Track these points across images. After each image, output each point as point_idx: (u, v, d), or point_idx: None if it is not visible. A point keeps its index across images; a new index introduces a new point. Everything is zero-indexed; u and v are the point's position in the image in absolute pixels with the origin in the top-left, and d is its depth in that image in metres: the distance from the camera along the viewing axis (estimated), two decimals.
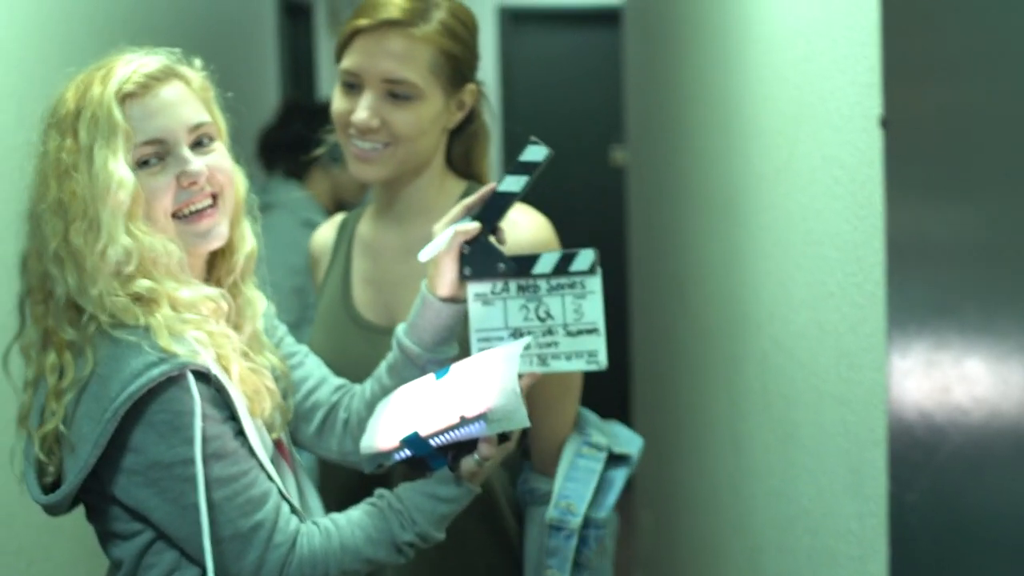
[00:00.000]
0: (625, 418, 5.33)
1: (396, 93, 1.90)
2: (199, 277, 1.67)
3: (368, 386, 1.82)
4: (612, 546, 2.03)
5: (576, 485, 1.92)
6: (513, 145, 6.59)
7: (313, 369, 1.87)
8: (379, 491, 1.67)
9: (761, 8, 2.27)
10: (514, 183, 1.73)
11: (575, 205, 6.44)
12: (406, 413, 1.65)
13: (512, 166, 1.73)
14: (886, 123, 1.48)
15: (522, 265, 1.72)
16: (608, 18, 6.38)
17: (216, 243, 1.65)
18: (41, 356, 1.57)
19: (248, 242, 1.72)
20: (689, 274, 3.20)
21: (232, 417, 1.57)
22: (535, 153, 1.73)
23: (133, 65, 1.60)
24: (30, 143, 1.61)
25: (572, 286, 1.72)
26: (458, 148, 2.05)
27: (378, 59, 1.90)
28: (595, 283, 1.71)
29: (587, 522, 1.92)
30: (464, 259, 1.73)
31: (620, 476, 2.00)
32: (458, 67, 1.97)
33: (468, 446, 1.63)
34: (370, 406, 1.79)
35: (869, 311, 1.68)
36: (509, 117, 6.68)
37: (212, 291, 1.63)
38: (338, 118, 1.96)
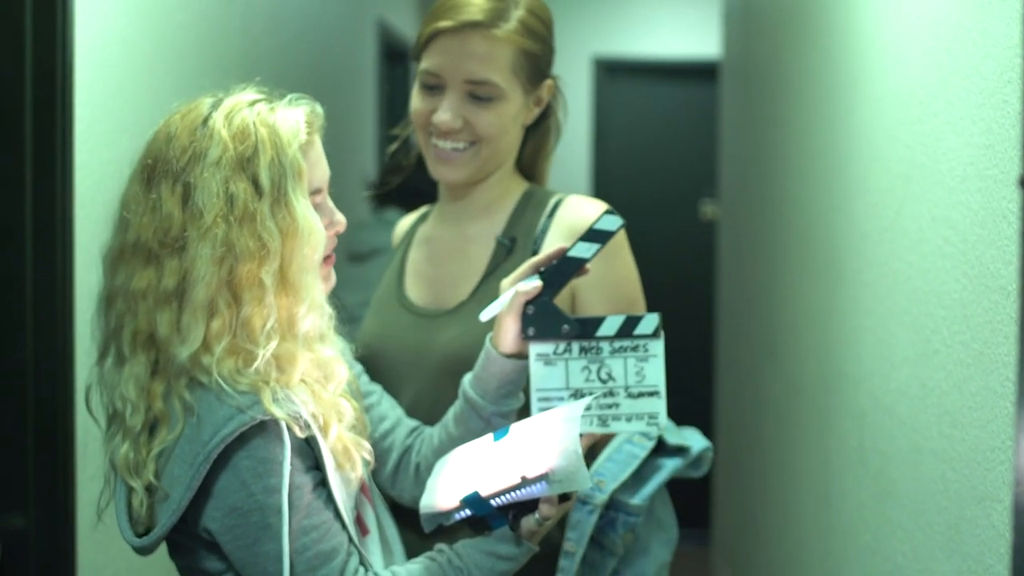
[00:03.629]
0: (707, 473, 5.32)
1: (478, 94, 1.90)
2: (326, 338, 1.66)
3: (436, 433, 1.82)
4: (662, 554, 1.95)
5: (613, 465, 1.89)
6: (603, 195, 6.64)
7: (388, 410, 1.87)
8: (439, 546, 1.66)
9: (872, 69, 2.30)
10: (585, 250, 1.73)
11: (664, 257, 6.47)
12: (466, 472, 1.64)
13: (586, 233, 1.73)
14: None
15: (586, 327, 1.71)
16: (703, 73, 6.43)
17: (329, 288, 1.65)
18: (140, 403, 1.52)
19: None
20: (782, 330, 3.22)
21: (316, 467, 1.56)
22: (609, 223, 1.73)
23: (296, 107, 1.59)
24: (132, 176, 1.56)
25: (635, 349, 1.71)
26: (529, 146, 2.05)
27: (460, 60, 1.89)
28: (658, 347, 1.70)
29: (617, 505, 1.87)
30: (527, 319, 1.72)
31: (670, 465, 1.94)
32: (537, 64, 1.95)
33: (528, 505, 1.62)
34: (438, 453, 1.79)
35: (976, 369, 1.70)
36: (601, 167, 6.73)
37: (337, 354, 1.65)
38: (418, 118, 1.96)
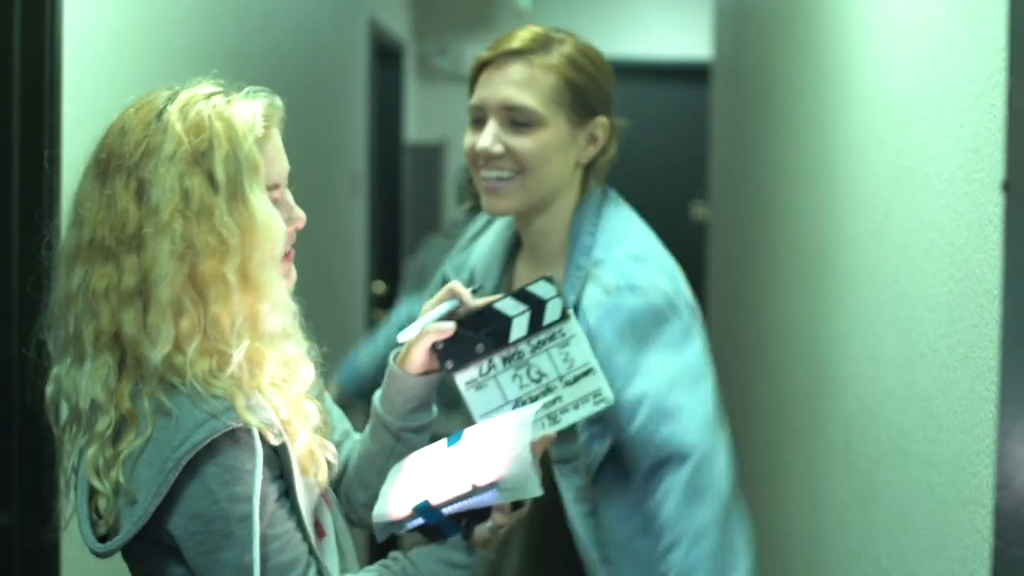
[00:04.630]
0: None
1: (517, 120, 1.92)
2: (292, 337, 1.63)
3: (356, 448, 1.82)
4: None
5: None
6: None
7: (337, 421, 1.84)
8: (393, 554, 1.64)
9: (860, 71, 2.30)
10: (511, 308, 1.72)
11: None
12: (418, 481, 1.63)
13: (517, 291, 1.72)
14: (1008, 186, 1.50)
15: (498, 337, 1.71)
16: (695, 74, 6.44)
17: (290, 285, 1.61)
18: (107, 405, 1.48)
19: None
20: (770, 332, 3.22)
21: (282, 475, 1.54)
22: (543, 290, 1.72)
23: (252, 100, 1.55)
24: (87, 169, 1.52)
25: (552, 338, 1.70)
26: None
27: (499, 88, 1.93)
28: (573, 327, 1.69)
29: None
30: (441, 353, 1.71)
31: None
32: (582, 97, 1.96)
33: (482, 513, 1.60)
34: (357, 469, 1.79)
35: (961, 373, 1.70)
36: None
37: (303, 353, 1.61)
38: (467, 153, 1.98)
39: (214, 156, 1.47)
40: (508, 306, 1.73)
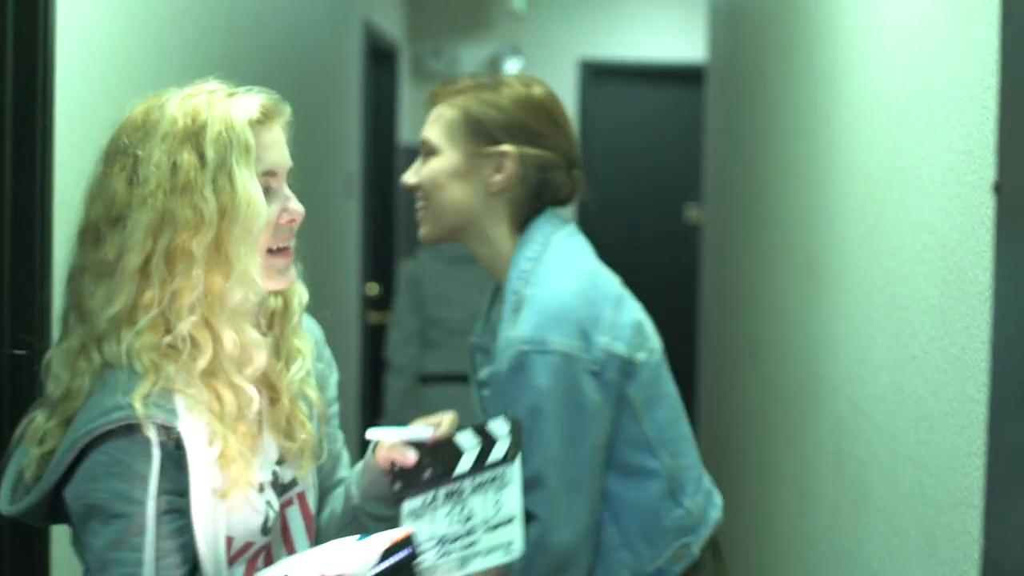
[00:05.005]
0: None
1: (425, 153, 2.10)
2: (254, 321, 1.63)
3: (336, 502, 1.81)
4: None
5: None
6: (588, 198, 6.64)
7: (340, 468, 1.85)
8: None
9: (854, 74, 2.31)
10: (466, 441, 1.72)
11: (648, 260, 6.48)
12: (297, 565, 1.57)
13: (478, 425, 1.72)
14: (999, 188, 1.51)
15: (447, 468, 1.70)
16: (689, 76, 6.44)
17: (288, 283, 1.64)
18: (63, 375, 1.54)
19: (301, 290, 1.71)
20: (763, 333, 3.22)
21: (180, 491, 1.49)
22: (498, 427, 1.71)
23: (254, 94, 1.60)
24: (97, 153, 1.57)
25: (493, 480, 1.68)
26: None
27: (423, 128, 2.12)
28: (513, 472, 1.67)
29: None
30: (395, 475, 1.72)
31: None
32: (479, 126, 2.05)
33: None
34: (327, 524, 1.78)
35: (953, 375, 1.70)
36: (586, 170, 6.73)
37: (263, 342, 1.60)
38: None
39: (206, 135, 1.52)
40: (464, 439, 1.73)
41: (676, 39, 6.73)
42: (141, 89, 2.43)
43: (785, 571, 2.81)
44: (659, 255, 6.65)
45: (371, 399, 5.62)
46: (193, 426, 1.50)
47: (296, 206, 1.62)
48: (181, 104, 1.55)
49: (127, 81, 2.40)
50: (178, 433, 1.49)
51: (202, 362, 1.52)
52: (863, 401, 2.17)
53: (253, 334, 1.58)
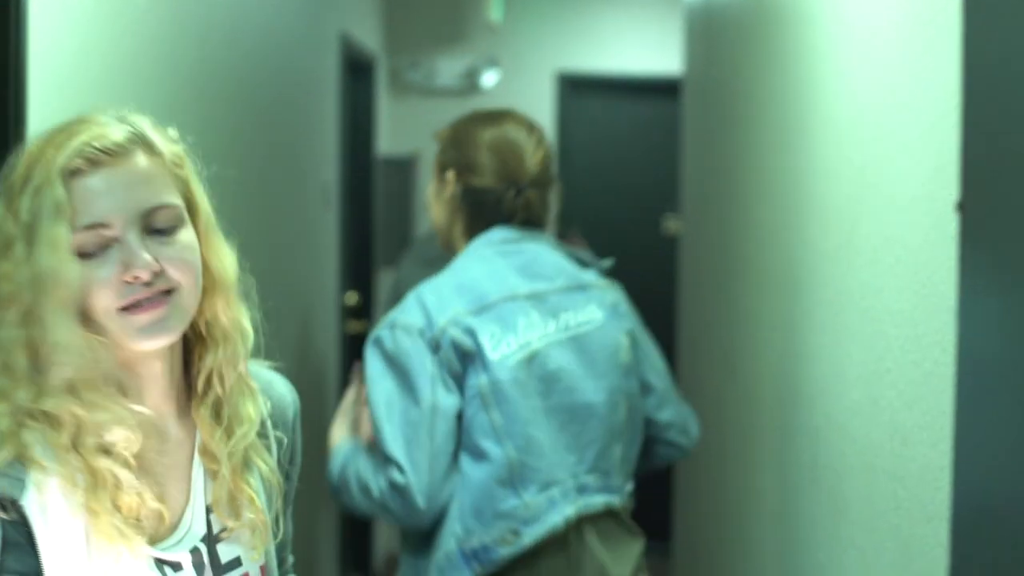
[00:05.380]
0: (666, 489, 5.34)
1: None
2: (165, 381, 1.49)
3: None
4: None
5: None
6: (567, 209, 6.66)
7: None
8: None
9: (827, 88, 2.32)
10: None
11: (627, 272, 6.46)
12: None
13: None
14: (962, 207, 1.52)
15: None
16: (666, 89, 6.46)
17: (160, 342, 1.44)
18: None
19: (237, 338, 1.52)
20: (740, 346, 3.23)
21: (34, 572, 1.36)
22: None
23: (87, 135, 1.41)
24: None
25: None
26: None
27: None
28: None
29: None
30: None
31: None
32: (440, 158, 2.66)
33: None
34: None
35: (925, 388, 1.71)
36: (564, 182, 6.73)
37: (128, 414, 1.43)
38: None
39: (26, 189, 1.39)
40: None
41: (653, 52, 6.74)
42: (113, 103, 2.44)
43: None
44: (638, 266, 6.64)
45: None
46: (44, 500, 1.37)
47: (142, 261, 1.39)
48: (32, 146, 1.42)
49: (99, 96, 2.39)
50: (22, 507, 1.35)
51: (62, 436, 1.39)
52: (839, 414, 2.18)
53: (110, 407, 1.41)
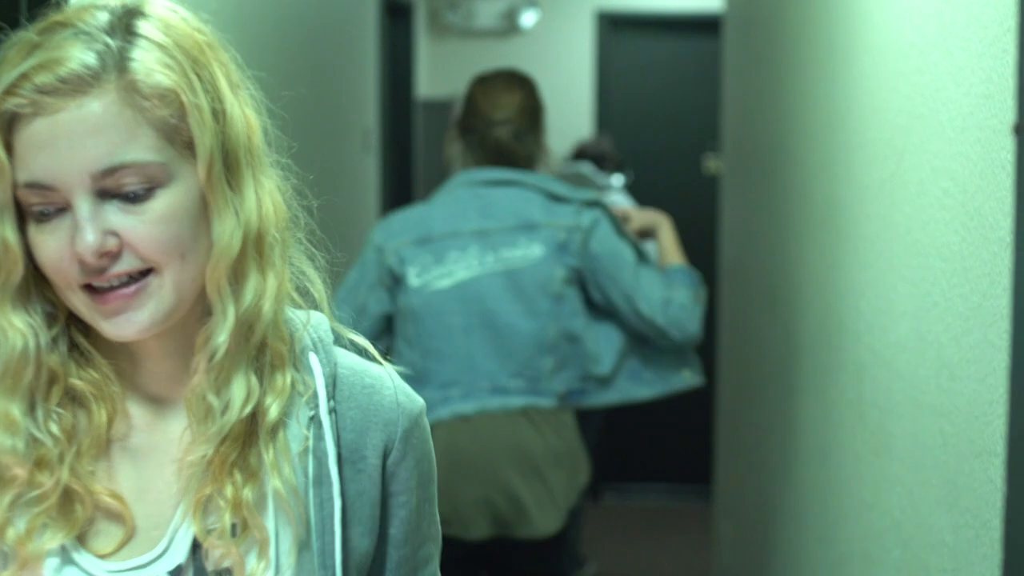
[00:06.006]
0: (707, 426, 5.34)
1: None
2: (169, 362, 1.19)
3: None
4: None
5: None
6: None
7: None
8: None
9: (872, 20, 2.27)
10: None
11: (667, 211, 6.42)
12: None
13: None
14: (1019, 129, 1.48)
15: None
16: (707, 26, 6.39)
17: (130, 336, 1.12)
18: None
19: (245, 314, 1.15)
20: (783, 284, 3.20)
21: None
22: None
23: (38, 59, 1.07)
24: None
25: None
26: None
27: None
28: None
29: None
30: None
31: None
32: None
33: None
34: None
35: (974, 322, 1.68)
36: (604, 122, 6.70)
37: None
38: None
39: None
40: None
41: None
42: None
43: (806, 522, 2.81)
44: (679, 205, 6.58)
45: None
46: None
47: (84, 242, 1.07)
48: None
49: None
50: None
51: None
52: (884, 350, 2.15)
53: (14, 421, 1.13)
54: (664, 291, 2.98)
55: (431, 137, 6.43)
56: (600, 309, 3.00)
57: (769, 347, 3.40)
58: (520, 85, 3.08)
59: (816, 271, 2.76)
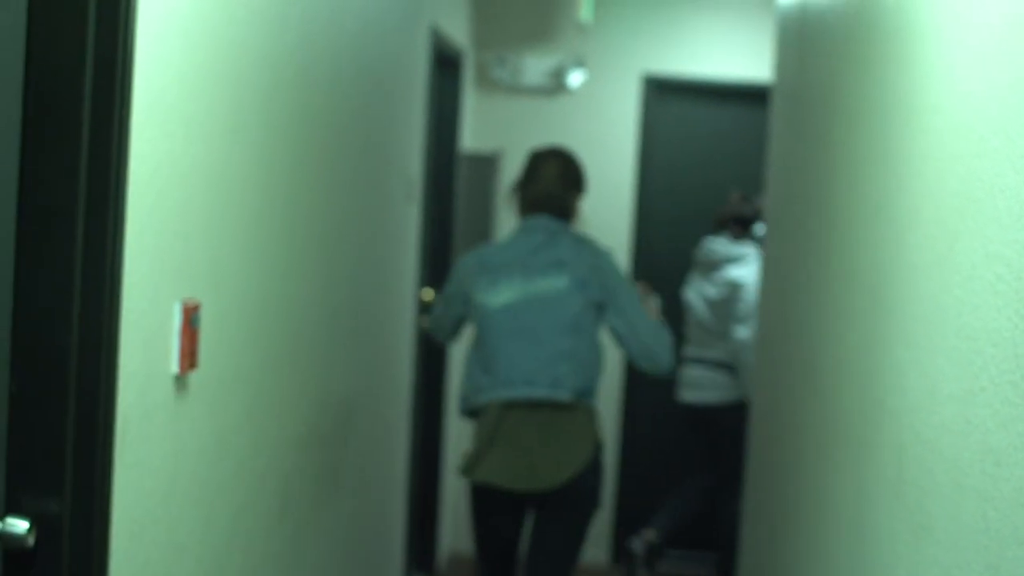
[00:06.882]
0: (735, 494, 5.30)
1: None
2: None
3: None
4: None
5: None
6: (646, 212, 6.62)
7: None
8: None
9: (931, 103, 2.29)
10: None
11: None
12: None
13: None
14: None
15: None
16: (753, 96, 6.42)
17: None
18: None
19: None
20: (823, 356, 3.20)
21: None
22: None
23: None
24: None
25: None
26: None
27: None
28: None
29: None
30: None
31: None
32: None
33: None
34: None
35: (1023, 409, 1.68)
36: (645, 184, 6.72)
37: None
38: None
39: None
40: None
41: (742, 57, 6.70)
42: (215, 85, 2.47)
43: None
44: None
45: (427, 403, 5.63)
46: None
47: None
48: None
49: (202, 77, 2.42)
50: None
51: None
52: (927, 431, 2.15)
53: None
54: (646, 323, 4.24)
55: (473, 189, 6.47)
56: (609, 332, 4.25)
57: (805, 419, 3.39)
58: (563, 160, 4.38)
59: (859, 348, 2.76)
